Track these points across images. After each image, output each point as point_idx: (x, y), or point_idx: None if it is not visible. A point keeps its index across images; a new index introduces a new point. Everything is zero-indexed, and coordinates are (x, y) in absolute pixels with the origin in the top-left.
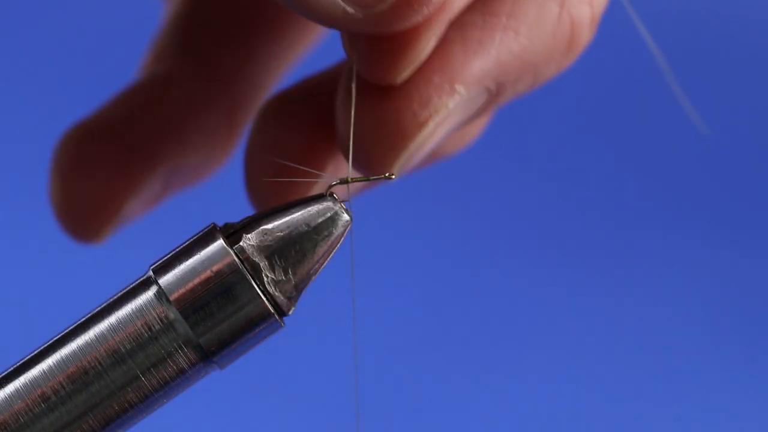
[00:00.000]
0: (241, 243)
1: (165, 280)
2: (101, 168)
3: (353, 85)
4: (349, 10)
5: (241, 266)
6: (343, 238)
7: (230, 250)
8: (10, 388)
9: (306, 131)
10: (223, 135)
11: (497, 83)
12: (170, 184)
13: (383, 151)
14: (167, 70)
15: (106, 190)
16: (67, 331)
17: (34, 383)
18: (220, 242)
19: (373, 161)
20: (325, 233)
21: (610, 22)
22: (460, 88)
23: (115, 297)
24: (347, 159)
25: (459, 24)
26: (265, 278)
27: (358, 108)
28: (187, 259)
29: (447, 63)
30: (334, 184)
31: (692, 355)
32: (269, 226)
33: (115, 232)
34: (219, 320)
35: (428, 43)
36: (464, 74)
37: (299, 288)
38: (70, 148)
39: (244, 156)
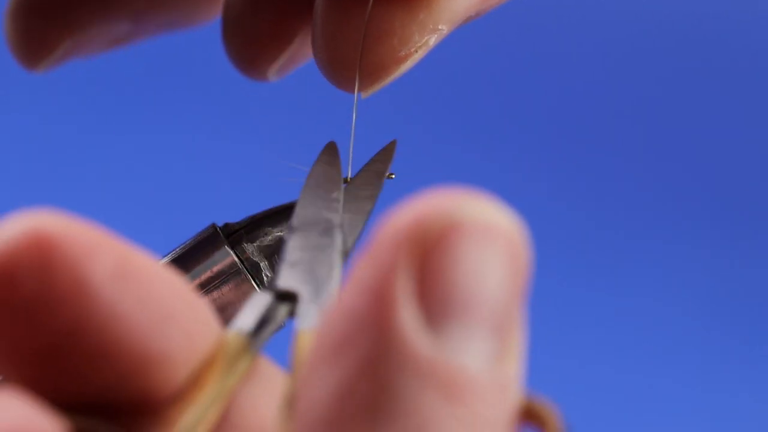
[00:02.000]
0: (241, 243)
1: None
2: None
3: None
4: None
5: (241, 266)
6: None
7: (230, 250)
8: None
9: (276, 5)
10: None
11: (477, 12)
12: (140, 25)
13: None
14: None
15: (51, 25)
16: None
17: None
18: (220, 242)
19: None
20: None
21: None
22: (443, 26)
23: None
24: (322, 70)
25: None
26: (265, 278)
27: (339, 22)
28: (187, 260)
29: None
30: None
31: (690, 355)
32: (269, 226)
33: (60, 63)
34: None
35: None
36: (449, 12)
37: None
38: None
39: (221, 23)
